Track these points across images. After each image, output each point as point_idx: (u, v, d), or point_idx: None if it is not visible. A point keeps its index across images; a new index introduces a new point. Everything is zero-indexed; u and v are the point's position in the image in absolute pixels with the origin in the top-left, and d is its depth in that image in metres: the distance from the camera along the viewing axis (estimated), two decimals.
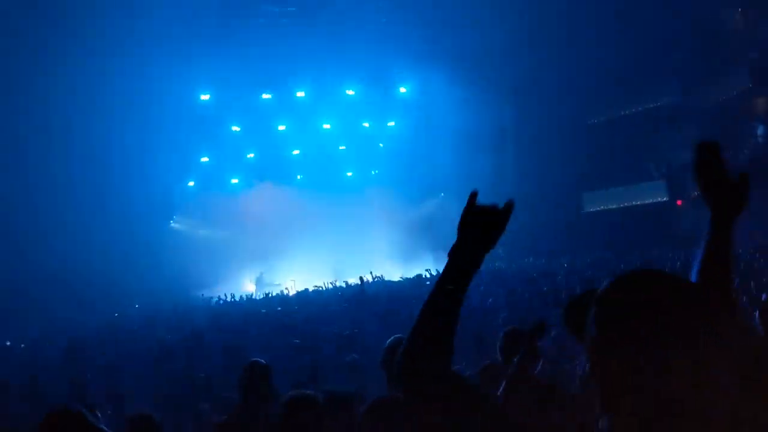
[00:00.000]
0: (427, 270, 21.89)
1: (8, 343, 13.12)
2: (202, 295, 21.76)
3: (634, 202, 27.81)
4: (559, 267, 20.10)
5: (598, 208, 29.11)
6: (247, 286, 27.43)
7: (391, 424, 2.46)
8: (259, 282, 27.79)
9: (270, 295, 20.60)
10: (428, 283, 20.35)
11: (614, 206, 28.50)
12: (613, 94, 28.05)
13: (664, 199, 26.98)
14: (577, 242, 25.61)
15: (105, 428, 2.73)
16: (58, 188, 21.12)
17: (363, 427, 2.55)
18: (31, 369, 8.99)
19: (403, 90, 29.72)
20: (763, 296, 6.42)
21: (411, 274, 22.99)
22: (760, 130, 23.46)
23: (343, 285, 22.29)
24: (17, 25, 18.97)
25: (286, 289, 22.91)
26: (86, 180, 21.78)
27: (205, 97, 26.93)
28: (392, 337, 4.01)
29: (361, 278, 18.06)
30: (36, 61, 19.50)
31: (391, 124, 31.35)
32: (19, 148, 20.60)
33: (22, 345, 12.66)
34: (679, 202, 27.03)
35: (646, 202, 27.42)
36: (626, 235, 25.44)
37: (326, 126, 30.11)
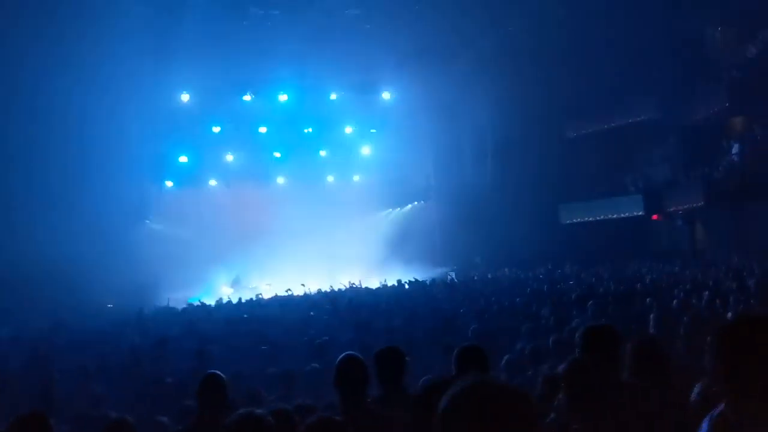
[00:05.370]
0: (415, 279, 21.97)
1: None
2: (168, 299, 21.53)
3: (610, 216, 28.08)
4: (534, 278, 20.26)
5: (575, 220, 29.38)
6: (222, 289, 27.27)
7: None
8: (235, 285, 27.65)
9: (242, 300, 20.47)
10: (407, 287, 20.56)
11: (591, 219, 28.78)
12: (592, 109, 28.41)
13: (641, 213, 27.29)
14: (553, 253, 25.83)
15: None
16: (30, 187, 20.90)
17: None
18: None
19: (386, 96, 29.76)
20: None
21: (390, 281, 23.02)
22: (735, 149, 23.85)
23: (320, 291, 22.30)
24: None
25: (261, 294, 22.80)
26: (60, 180, 21.55)
27: (185, 97, 26.76)
28: (343, 354, 4.01)
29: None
30: (14, 61, 19.31)
31: (374, 131, 31.39)
32: None
33: None
34: (654, 217, 27.39)
35: (623, 215, 27.71)
36: (602, 248, 25.73)
37: (308, 130, 30.07)
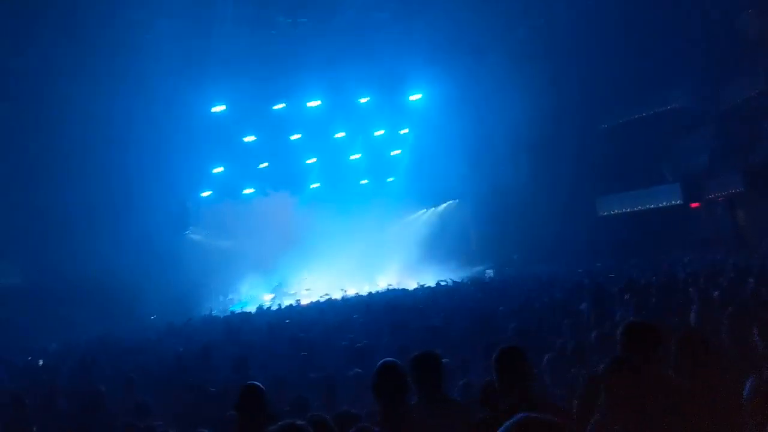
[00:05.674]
0: (451, 279, 21.97)
1: (30, 358, 13.30)
2: (211, 310, 21.82)
3: (648, 206, 27.62)
4: (574, 273, 20.02)
5: (613, 212, 28.96)
6: (263, 296, 27.57)
7: None
8: (276, 292, 27.93)
9: (281, 306, 20.67)
10: (443, 284, 20.58)
11: (629, 210, 28.34)
12: (626, 98, 27.92)
13: (679, 202, 26.79)
14: (592, 246, 25.51)
15: None
16: (76, 205, 21.36)
17: None
18: (50, 382, 9.15)
19: (416, 97, 29.72)
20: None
21: (426, 282, 23.00)
22: None
23: (357, 294, 22.40)
24: (32, 39, 19.26)
25: (299, 300, 22.99)
26: (104, 196, 22.01)
27: (218, 108, 27.00)
28: (381, 362, 3.95)
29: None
30: (50, 74, 19.78)
31: (405, 131, 31.38)
32: (36, 162, 20.94)
33: (41, 361, 12.81)
34: (693, 205, 26.84)
35: (661, 205, 27.22)
36: (641, 239, 25.32)
37: (340, 135, 30.19)
